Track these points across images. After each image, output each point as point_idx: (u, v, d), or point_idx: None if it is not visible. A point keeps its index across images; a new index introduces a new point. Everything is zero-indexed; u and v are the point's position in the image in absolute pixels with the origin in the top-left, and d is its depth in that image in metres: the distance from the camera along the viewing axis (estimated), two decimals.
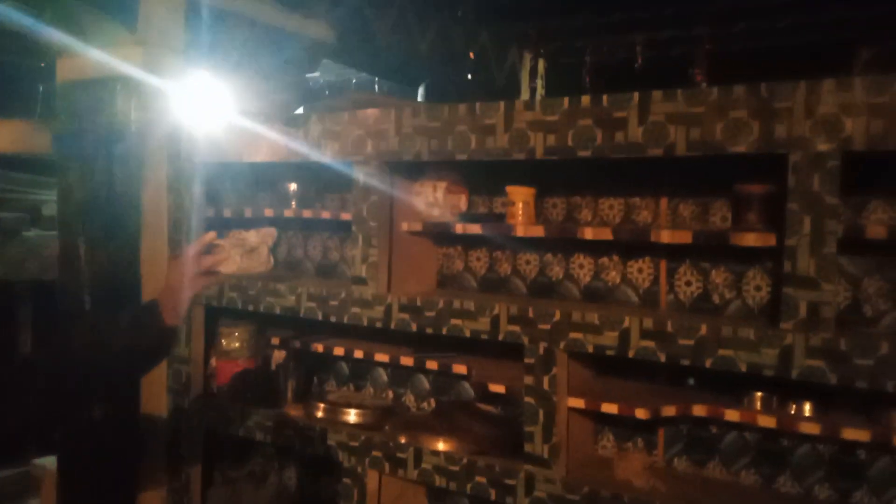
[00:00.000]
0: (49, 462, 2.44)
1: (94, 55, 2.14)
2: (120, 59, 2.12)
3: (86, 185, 2.20)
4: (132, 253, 2.22)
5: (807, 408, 1.51)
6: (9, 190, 4.09)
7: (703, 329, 1.41)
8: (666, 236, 1.55)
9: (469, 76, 3.51)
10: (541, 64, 4.07)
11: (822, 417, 1.47)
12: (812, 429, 1.45)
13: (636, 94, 1.47)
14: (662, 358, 1.45)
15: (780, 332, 1.34)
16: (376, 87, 4.79)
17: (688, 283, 1.73)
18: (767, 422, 1.49)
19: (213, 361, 2.20)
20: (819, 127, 1.30)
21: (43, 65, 3.50)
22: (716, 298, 1.70)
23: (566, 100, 1.55)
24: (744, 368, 1.37)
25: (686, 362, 1.43)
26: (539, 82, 4.11)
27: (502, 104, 1.63)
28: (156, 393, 2.17)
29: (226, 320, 2.22)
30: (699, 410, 1.57)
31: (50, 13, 2.18)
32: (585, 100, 1.52)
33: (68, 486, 2.10)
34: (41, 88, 3.42)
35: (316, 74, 5.37)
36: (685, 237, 1.54)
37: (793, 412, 1.51)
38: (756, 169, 1.51)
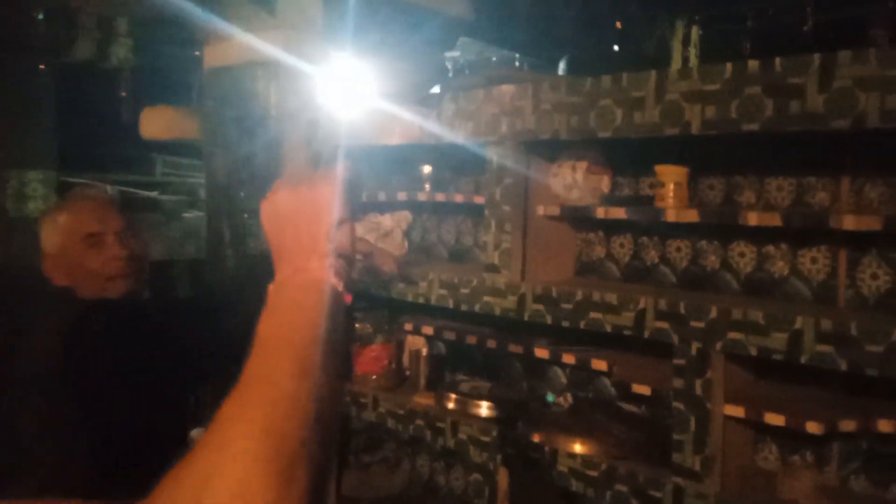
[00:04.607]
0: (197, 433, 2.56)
1: (235, 40, 2.18)
2: (259, 44, 2.14)
3: (229, 169, 2.25)
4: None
5: None
6: (170, 174, 4.37)
7: None
8: (850, 222, 1.32)
9: (615, 47, 3.29)
10: (694, 31, 3.76)
11: None
12: None
13: (816, 57, 1.26)
14: (843, 366, 1.24)
15: None
16: (517, 63, 4.66)
17: (874, 277, 1.48)
18: None
19: (348, 346, 2.19)
20: None
21: (197, 53, 3.69)
22: None
23: (729, 66, 1.36)
24: None
25: (873, 372, 1.21)
26: (692, 51, 3.80)
27: (653, 74, 1.46)
28: None
29: (359, 304, 2.20)
30: (886, 426, 1.35)
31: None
32: (753, 65, 1.32)
33: None
34: (196, 77, 3.60)
35: (456, 54, 5.31)
36: (874, 223, 1.31)
37: None
38: None
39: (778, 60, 1.29)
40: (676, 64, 3.85)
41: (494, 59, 5.05)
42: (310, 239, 0.73)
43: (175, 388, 1.35)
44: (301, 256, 0.72)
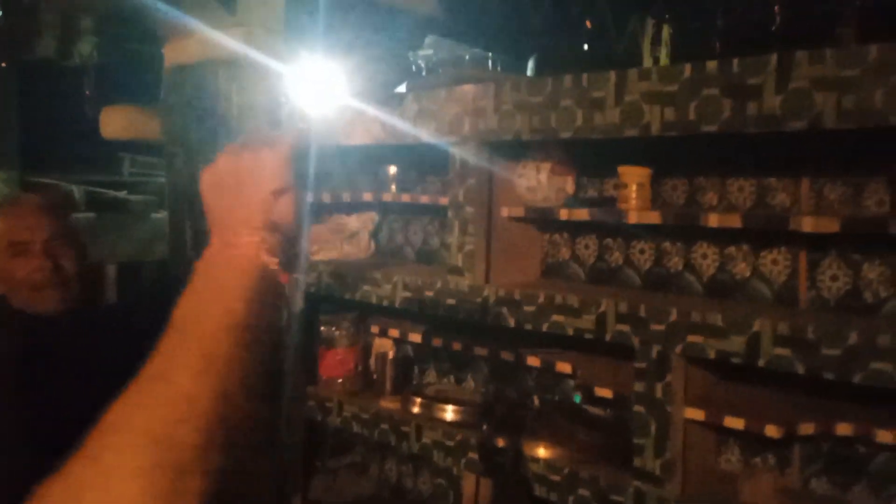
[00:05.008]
0: None
1: (196, 38, 2.13)
2: (220, 42, 2.09)
3: (190, 168, 2.21)
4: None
5: None
6: (138, 174, 4.31)
7: (853, 337, 1.18)
8: (808, 224, 1.32)
9: (585, 46, 3.28)
10: (665, 30, 3.76)
11: None
12: None
13: (774, 57, 1.25)
14: (801, 369, 1.23)
15: None
16: (489, 61, 4.64)
17: (833, 278, 1.48)
18: None
19: (314, 349, 2.15)
20: None
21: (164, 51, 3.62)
22: (868, 296, 1.44)
23: (688, 66, 1.35)
24: None
25: (830, 376, 1.21)
26: (663, 50, 3.80)
27: (613, 74, 1.45)
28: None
29: (326, 307, 2.17)
30: (844, 429, 1.35)
31: None
32: (711, 65, 1.31)
33: None
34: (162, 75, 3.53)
35: (429, 52, 5.27)
36: (832, 225, 1.30)
37: None
38: None
39: (735, 61, 1.28)
40: (647, 63, 3.84)
41: (468, 57, 5.01)
42: (244, 209, 0.65)
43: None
44: (232, 229, 0.65)
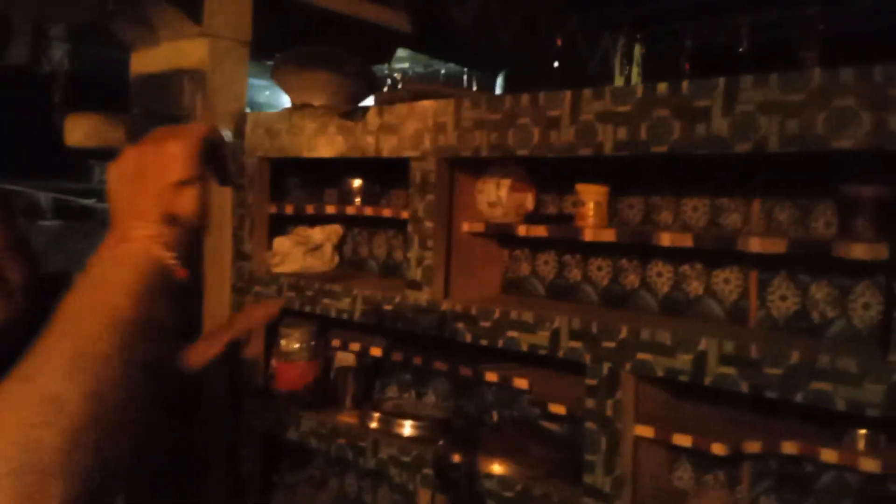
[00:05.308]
0: None
1: (161, 47, 2.13)
2: (186, 52, 2.09)
3: None
4: (197, 247, 2.20)
5: None
6: (105, 181, 4.26)
7: (795, 356, 1.20)
8: (756, 244, 1.34)
9: (556, 64, 3.32)
10: (636, 50, 3.81)
11: None
12: None
13: (721, 80, 1.27)
14: (744, 388, 1.25)
15: (889, 365, 1.11)
16: (465, 76, 4.68)
17: (783, 298, 1.50)
18: (871, 465, 1.26)
19: (273, 362, 2.14)
20: None
21: None
22: (815, 316, 1.46)
23: (640, 88, 1.37)
24: (842, 406, 1.16)
25: (773, 395, 1.22)
26: (634, 70, 3.85)
27: (569, 94, 1.46)
28: (214, 393, 2.15)
29: (287, 320, 2.15)
30: (789, 447, 1.36)
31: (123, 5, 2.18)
32: (662, 87, 1.33)
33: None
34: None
35: (405, 66, 5.29)
36: (779, 246, 1.32)
37: None
38: (870, 167, 1.28)
39: (685, 83, 1.30)
40: (618, 83, 3.89)
41: (443, 72, 5.05)
42: (142, 201, 0.63)
43: None
44: (127, 223, 0.63)
